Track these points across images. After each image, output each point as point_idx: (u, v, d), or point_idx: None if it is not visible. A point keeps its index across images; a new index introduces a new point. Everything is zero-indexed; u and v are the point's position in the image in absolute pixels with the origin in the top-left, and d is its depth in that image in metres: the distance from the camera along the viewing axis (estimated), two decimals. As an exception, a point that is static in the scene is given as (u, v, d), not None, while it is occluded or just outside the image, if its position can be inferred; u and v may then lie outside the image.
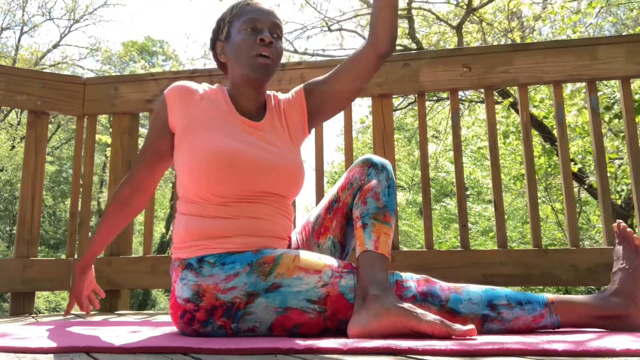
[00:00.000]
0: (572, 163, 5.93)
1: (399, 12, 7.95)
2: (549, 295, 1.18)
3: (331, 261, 1.19)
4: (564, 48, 2.10)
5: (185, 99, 1.30)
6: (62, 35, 17.71)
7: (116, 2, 18.71)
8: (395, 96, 2.58)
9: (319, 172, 2.24)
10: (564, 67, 2.07)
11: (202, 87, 1.35)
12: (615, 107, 4.47)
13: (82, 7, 17.07)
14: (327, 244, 1.33)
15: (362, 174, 1.28)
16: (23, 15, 16.88)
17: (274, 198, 1.28)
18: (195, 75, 2.34)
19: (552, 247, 2.34)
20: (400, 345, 0.93)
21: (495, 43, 7.60)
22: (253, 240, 1.23)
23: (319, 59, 7.46)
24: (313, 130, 1.63)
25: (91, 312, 2.00)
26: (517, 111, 6.62)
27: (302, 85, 1.42)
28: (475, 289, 1.17)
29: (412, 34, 7.99)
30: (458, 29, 7.63)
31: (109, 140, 2.86)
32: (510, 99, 6.54)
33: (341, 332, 1.13)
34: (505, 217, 2.13)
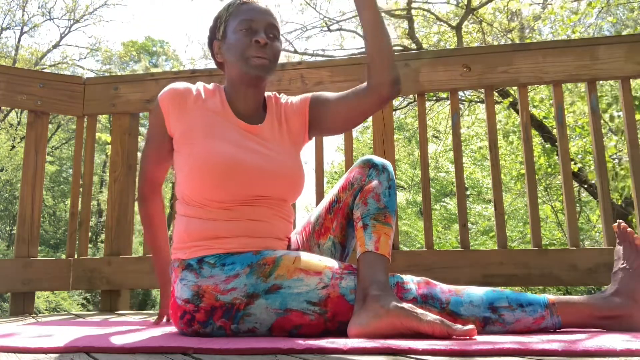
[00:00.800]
0: (572, 163, 5.93)
1: (399, 13, 7.96)
2: (549, 297, 1.18)
3: (331, 263, 1.19)
4: (564, 48, 2.10)
5: (180, 104, 1.28)
6: (62, 35, 17.71)
7: (116, 2, 18.69)
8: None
9: (319, 172, 2.24)
10: (564, 67, 2.07)
11: (197, 88, 1.33)
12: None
13: (82, 7, 17.08)
14: (327, 244, 1.33)
15: (362, 174, 1.27)
16: (23, 15, 16.89)
17: (273, 201, 1.27)
18: (195, 75, 2.34)
19: (552, 247, 2.34)
20: (400, 345, 0.93)
21: (495, 43, 7.60)
22: (253, 241, 1.23)
23: (319, 59, 7.47)
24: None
25: (91, 312, 2.00)
26: (517, 111, 6.62)
27: (310, 95, 1.40)
28: (476, 291, 1.17)
29: (412, 34, 7.99)
30: (458, 29, 7.63)
31: (109, 139, 2.86)
32: (510, 99, 6.54)
33: (341, 334, 1.13)
34: (505, 217, 2.13)
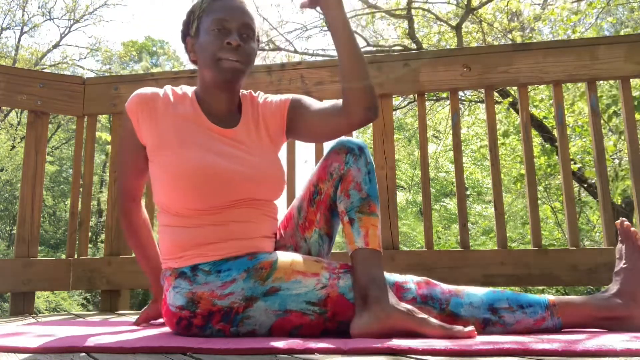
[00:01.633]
0: (572, 163, 5.93)
1: (399, 13, 7.95)
2: (550, 297, 1.17)
3: (327, 263, 1.19)
4: (564, 48, 2.10)
5: (149, 110, 1.24)
6: (62, 35, 17.71)
7: (116, 2, 18.67)
8: (395, 96, 2.58)
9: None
10: (564, 67, 2.07)
11: (165, 92, 1.28)
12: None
13: (82, 7, 17.07)
14: (313, 237, 1.31)
15: (340, 162, 1.24)
16: (23, 15, 16.88)
17: (256, 203, 1.25)
18: (195, 75, 2.34)
19: (552, 247, 2.34)
20: (400, 345, 0.93)
21: (495, 43, 7.60)
22: (244, 243, 1.21)
23: (319, 59, 7.46)
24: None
25: (91, 312, 2.00)
26: (517, 111, 6.62)
27: (291, 97, 1.35)
28: (477, 292, 1.16)
29: (412, 34, 7.99)
30: (457, 29, 7.63)
31: (109, 138, 2.86)
32: (510, 99, 6.54)
33: (341, 333, 1.13)
34: (505, 217, 2.13)
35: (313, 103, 1.32)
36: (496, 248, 2.03)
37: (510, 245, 8.78)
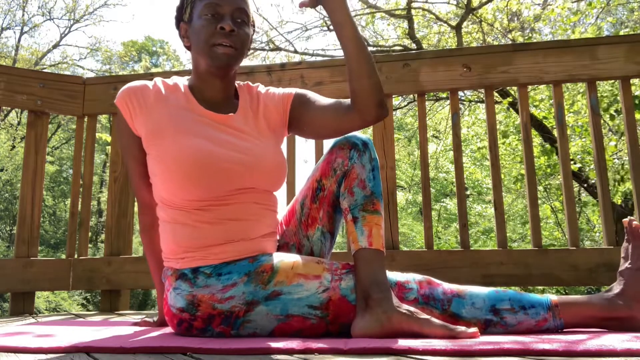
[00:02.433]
0: (572, 163, 5.93)
1: (399, 13, 7.95)
2: (552, 297, 1.16)
3: (328, 264, 1.18)
4: (564, 48, 2.10)
5: (139, 101, 1.22)
6: (62, 35, 17.73)
7: (116, 2, 18.69)
8: (395, 96, 2.58)
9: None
10: (564, 67, 2.07)
11: (154, 84, 1.26)
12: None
13: (82, 7, 17.08)
14: (316, 235, 1.30)
15: (344, 158, 1.23)
16: (23, 15, 16.89)
17: (254, 194, 1.21)
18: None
19: (552, 247, 2.34)
20: (400, 345, 0.93)
21: (495, 43, 7.60)
22: (245, 245, 1.18)
23: (319, 59, 7.46)
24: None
25: (91, 312, 2.00)
26: (517, 111, 6.62)
27: (294, 91, 1.32)
28: (479, 292, 1.16)
29: (412, 34, 7.99)
30: (457, 29, 7.63)
31: (109, 138, 2.86)
32: (510, 99, 6.54)
33: (343, 335, 1.13)
34: (505, 217, 2.13)
35: (319, 98, 1.30)
36: (496, 248, 2.03)
37: (511, 245, 8.78)
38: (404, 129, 14.05)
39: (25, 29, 17.20)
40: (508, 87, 5.84)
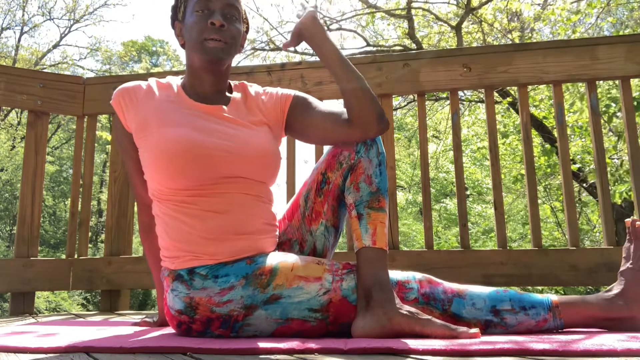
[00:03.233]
0: (572, 163, 5.93)
1: (399, 13, 7.95)
2: (553, 297, 1.16)
3: (329, 264, 1.16)
4: (564, 48, 2.10)
5: (131, 100, 1.24)
6: (62, 35, 17.72)
7: (116, 2, 18.68)
8: (395, 96, 2.58)
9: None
10: (564, 67, 2.07)
11: (148, 84, 1.28)
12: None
13: (82, 7, 17.08)
14: (319, 229, 1.29)
15: (351, 150, 1.22)
16: (23, 15, 16.88)
17: (243, 184, 1.20)
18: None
19: (552, 247, 2.34)
20: (401, 345, 0.93)
21: (495, 43, 7.61)
22: (240, 243, 1.17)
23: (319, 59, 7.45)
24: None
25: (91, 312, 2.00)
26: (517, 111, 6.62)
27: (292, 94, 1.33)
28: (479, 293, 1.15)
29: (412, 34, 7.99)
30: (457, 29, 7.64)
31: (109, 137, 2.86)
32: (510, 99, 6.54)
33: (343, 335, 1.12)
34: (506, 217, 2.13)
35: (319, 105, 1.29)
36: (496, 248, 2.03)
37: (511, 246, 8.79)
38: (404, 129, 14.05)
39: (25, 29, 17.20)
40: (508, 87, 5.84)
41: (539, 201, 4.00)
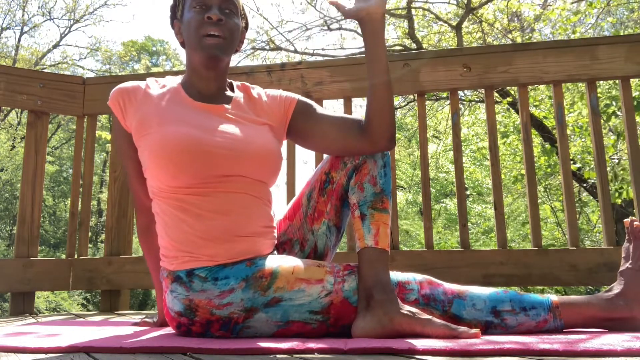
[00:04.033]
0: (572, 163, 5.93)
1: (399, 13, 7.95)
2: (553, 298, 1.16)
3: (330, 266, 1.16)
4: (564, 48, 2.10)
5: (129, 99, 1.24)
6: (62, 35, 17.72)
7: (116, 2, 18.69)
8: (395, 96, 2.58)
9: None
10: (564, 67, 2.07)
11: (146, 84, 1.28)
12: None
13: (82, 7, 17.08)
14: (321, 229, 1.28)
15: None
16: (23, 15, 16.88)
17: (244, 184, 1.19)
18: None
19: (552, 247, 2.34)
20: (401, 346, 0.93)
21: (495, 43, 7.61)
22: (237, 245, 1.16)
23: (319, 58, 7.46)
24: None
25: (91, 312, 2.00)
26: (517, 111, 6.62)
27: (297, 98, 1.32)
28: (480, 293, 1.15)
29: (412, 34, 7.99)
30: (457, 29, 7.64)
31: (109, 137, 2.86)
32: (510, 99, 6.54)
33: (343, 336, 1.12)
34: (506, 217, 2.13)
35: (323, 112, 1.29)
36: (496, 248, 2.03)
37: (510, 246, 8.79)
38: (404, 129, 14.05)
39: (25, 29, 17.20)
40: (508, 87, 5.84)
41: (539, 201, 3.99)
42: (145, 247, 1.33)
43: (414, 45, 7.98)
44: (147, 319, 1.47)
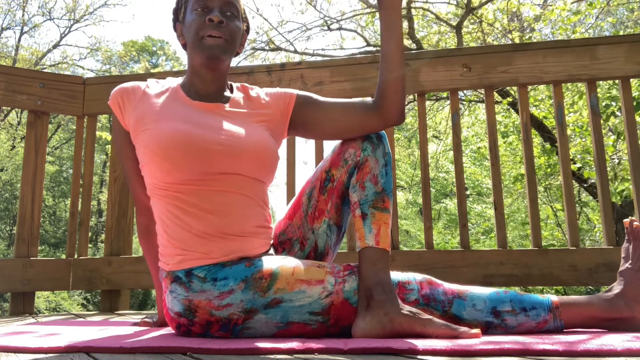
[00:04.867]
0: (572, 163, 5.93)
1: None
2: (553, 298, 1.16)
3: (330, 267, 1.16)
4: (564, 48, 2.10)
5: (129, 99, 1.25)
6: (62, 35, 17.72)
7: (116, 2, 18.68)
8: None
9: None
10: (564, 67, 2.07)
11: (146, 84, 1.29)
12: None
13: (82, 7, 17.08)
14: (322, 228, 1.28)
15: (356, 148, 1.22)
16: (23, 15, 16.88)
17: (240, 182, 1.19)
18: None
19: (552, 247, 2.34)
20: (401, 346, 0.93)
21: (495, 43, 7.61)
22: (234, 244, 1.16)
23: (319, 58, 7.46)
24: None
25: (91, 312, 2.00)
26: (517, 111, 6.62)
27: (295, 93, 1.33)
28: (480, 294, 1.15)
29: (412, 34, 7.99)
30: (457, 29, 7.64)
31: (109, 137, 2.86)
32: (510, 99, 6.54)
33: (342, 336, 1.12)
34: (506, 217, 2.13)
35: (321, 98, 1.31)
36: (496, 248, 2.03)
37: (511, 246, 8.79)
38: (404, 129, 14.05)
39: (25, 29, 17.20)
40: (508, 87, 5.84)
41: (539, 201, 4.01)
42: (145, 247, 1.33)
43: (414, 46, 7.98)
44: (147, 319, 1.47)
